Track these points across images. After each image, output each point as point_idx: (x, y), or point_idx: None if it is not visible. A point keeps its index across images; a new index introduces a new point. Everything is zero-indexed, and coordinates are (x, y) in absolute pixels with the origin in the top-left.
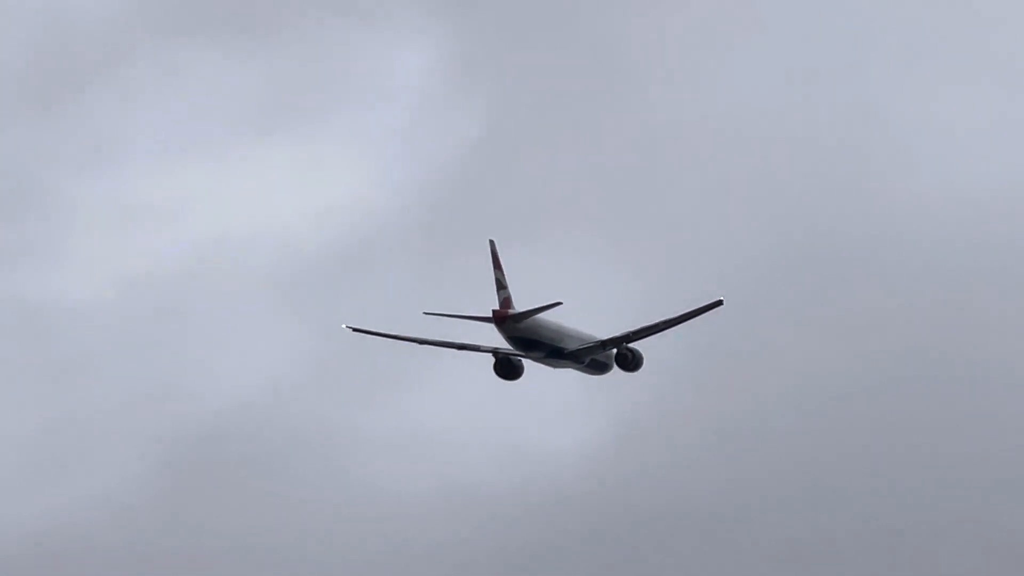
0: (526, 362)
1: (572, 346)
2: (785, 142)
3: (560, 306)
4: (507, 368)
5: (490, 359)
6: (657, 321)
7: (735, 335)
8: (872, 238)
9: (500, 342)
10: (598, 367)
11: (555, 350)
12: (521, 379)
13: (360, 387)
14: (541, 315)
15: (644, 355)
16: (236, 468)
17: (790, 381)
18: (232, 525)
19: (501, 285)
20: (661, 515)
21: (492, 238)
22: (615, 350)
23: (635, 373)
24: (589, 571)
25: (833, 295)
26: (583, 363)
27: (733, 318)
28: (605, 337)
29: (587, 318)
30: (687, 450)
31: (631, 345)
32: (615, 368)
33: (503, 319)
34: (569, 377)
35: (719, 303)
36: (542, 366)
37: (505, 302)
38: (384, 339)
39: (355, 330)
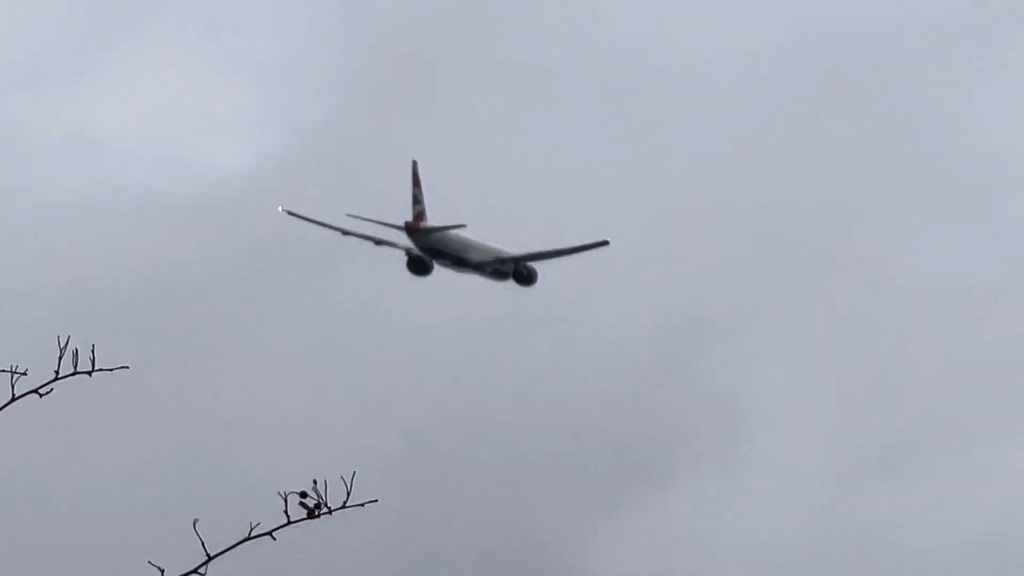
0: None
1: (475, 258)
2: None
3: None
4: (418, 267)
5: (403, 257)
6: (549, 249)
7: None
8: None
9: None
10: (499, 276)
11: (459, 260)
12: (430, 276)
13: (25, 80)
14: (449, 227)
15: (539, 273)
16: None
17: None
18: None
19: (417, 200)
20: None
21: (415, 159)
22: (513, 266)
23: (529, 287)
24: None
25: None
26: (485, 272)
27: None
28: (506, 255)
29: None
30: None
31: (528, 264)
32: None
33: (414, 231)
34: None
35: (605, 243)
36: (448, 270)
37: (418, 216)
38: (317, 225)
39: (290, 213)
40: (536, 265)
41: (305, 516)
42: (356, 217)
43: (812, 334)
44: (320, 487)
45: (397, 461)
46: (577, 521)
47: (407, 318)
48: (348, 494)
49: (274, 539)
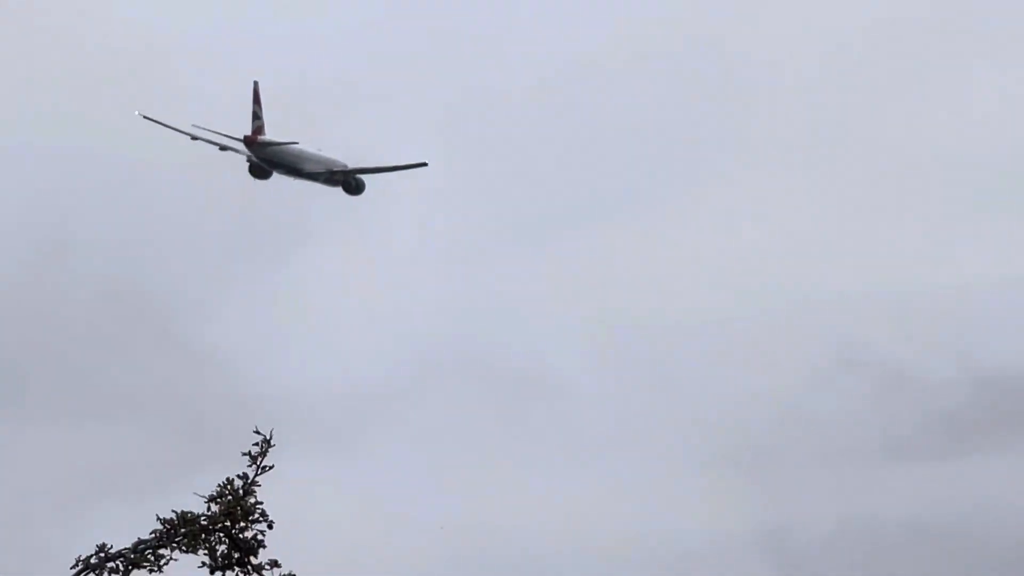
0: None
1: (309, 168)
2: None
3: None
4: (258, 172)
5: (245, 163)
6: (375, 166)
7: None
8: None
9: None
10: (332, 183)
11: (294, 170)
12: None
13: None
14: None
15: (366, 183)
16: None
17: None
18: None
19: (257, 116)
20: None
21: (256, 79)
22: (343, 177)
23: (358, 196)
24: None
25: None
26: (319, 180)
27: None
28: (337, 167)
29: None
30: None
31: (357, 176)
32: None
33: (252, 143)
34: None
35: (424, 164)
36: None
37: (257, 130)
38: (170, 129)
39: (146, 118)
40: (364, 177)
41: None
42: (200, 128)
43: (434, 102)
44: None
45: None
46: (195, 288)
47: None
48: None
49: None
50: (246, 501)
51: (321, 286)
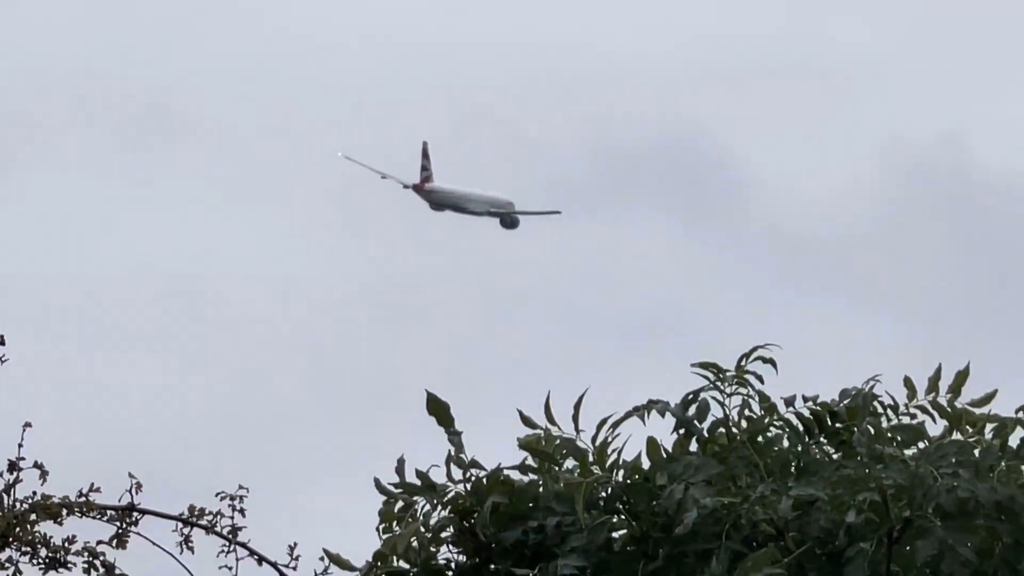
0: None
1: (472, 208)
2: None
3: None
4: (436, 207)
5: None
6: (526, 210)
7: None
8: None
9: None
10: (492, 216)
11: (461, 209)
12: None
13: None
14: (445, 185)
15: (521, 220)
16: None
17: None
18: None
19: (425, 168)
20: None
21: (425, 140)
22: (501, 214)
23: (514, 230)
24: None
25: None
26: (482, 215)
27: None
28: (495, 208)
29: None
30: None
31: (513, 215)
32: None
33: (419, 190)
34: None
35: (558, 212)
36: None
37: (425, 179)
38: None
39: (347, 158)
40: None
41: None
42: (388, 174)
43: None
44: None
45: None
46: None
47: None
48: None
49: None
50: None
51: None
